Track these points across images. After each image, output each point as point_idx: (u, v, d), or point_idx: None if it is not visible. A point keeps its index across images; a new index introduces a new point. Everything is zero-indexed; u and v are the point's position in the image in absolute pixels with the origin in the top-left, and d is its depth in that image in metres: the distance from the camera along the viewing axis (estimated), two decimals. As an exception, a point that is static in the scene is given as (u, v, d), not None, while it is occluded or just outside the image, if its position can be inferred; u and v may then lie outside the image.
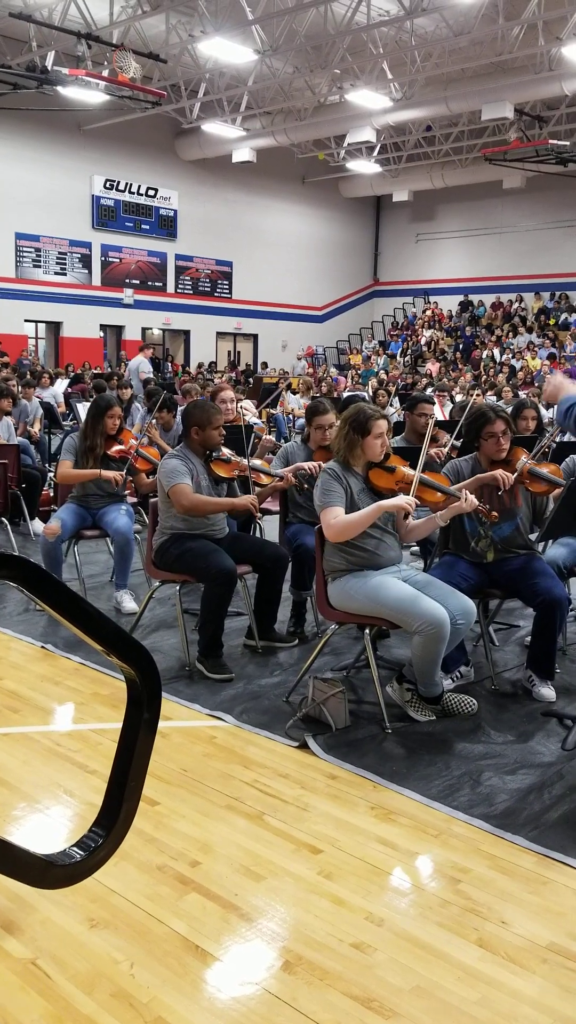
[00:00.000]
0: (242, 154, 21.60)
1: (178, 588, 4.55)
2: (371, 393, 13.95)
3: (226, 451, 4.70)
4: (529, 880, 2.71)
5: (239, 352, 26.87)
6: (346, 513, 3.79)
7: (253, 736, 3.68)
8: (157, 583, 4.68)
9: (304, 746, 3.56)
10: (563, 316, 24.65)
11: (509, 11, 14.63)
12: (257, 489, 4.81)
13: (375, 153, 23.75)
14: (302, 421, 7.05)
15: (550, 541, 4.92)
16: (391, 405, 12.42)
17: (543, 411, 11.66)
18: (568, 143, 18.89)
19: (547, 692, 4.12)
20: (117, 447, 5.48)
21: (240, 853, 2.80)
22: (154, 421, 7.06)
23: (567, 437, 8.30)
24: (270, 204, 26.24)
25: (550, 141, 18.73)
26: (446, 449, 5.25)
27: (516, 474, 4.18)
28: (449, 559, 4.26)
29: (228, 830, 2.94)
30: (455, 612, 3.68)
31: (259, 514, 4.63)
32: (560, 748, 3.59)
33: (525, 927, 2.48)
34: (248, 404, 12.21)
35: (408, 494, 3.83)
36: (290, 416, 16.18)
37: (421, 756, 3.50)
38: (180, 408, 6.97)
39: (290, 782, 3.28)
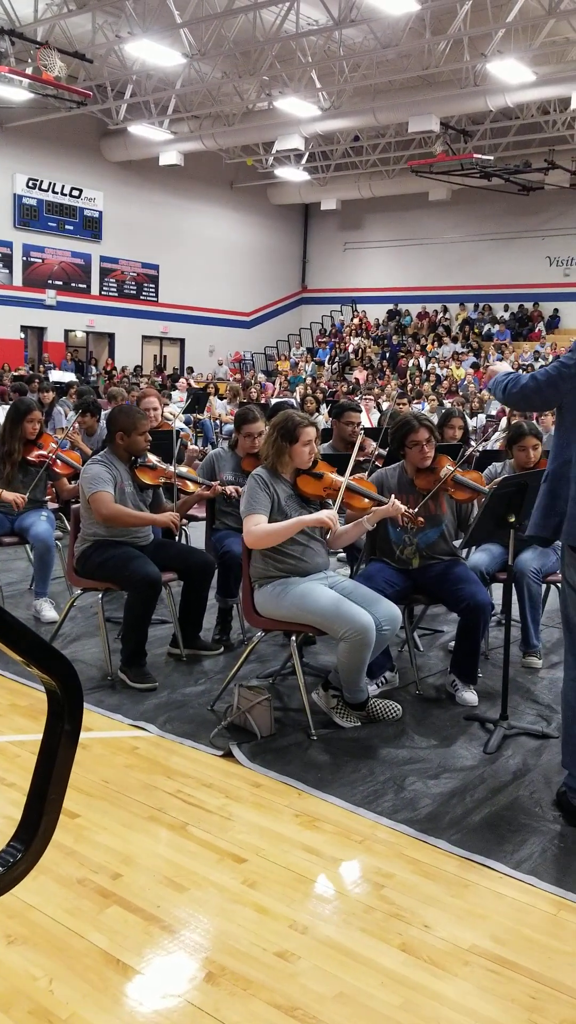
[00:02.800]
0: (169, 157, 21.46)
1: (100, 596, 4.48)
2: (299, 400, 14.01)
3: (152, 457, 4.65)
4: (451, 883, 2.74)
5: (165, 356, 26.68)
6: (270, 520, 3.79)
7: (177, 746, 3.64)
8: (78, 591, 4.59)
9: (229, 755, 3.54)
10: (486, 327, 25.18)
11: (436, 26, 14.89)
12: (183, 496, 4.78)
13: (303, 161, 23.89)
14: (229, 427, 7.03)
15: (473, 547, 5.01)
16: (319, 412, 12.49)
17: (469, 420, 11.91)
18: (492, 158, 19.32)
19: (470, 696, 4.18)
20: (37, 452, 5.37)
21: (163, 864, 2.77)
22: (77, 425, 6.94)
23: (491, 445, 8.47)
24: (198, 208, 26.16)
25: (474, 155, 19.12)
26: (373, 457, 5.29)
27: (440, 482, 4.25)
28: (375, 566, 4.30)
29: (150, 841, 2.90)
30: (381, 618, 3.71)
31: (179, 531, 4.58)
32: (482, 752, 3.65)
33: (447, 930, 2.51)
34: (175, 409, 12.13)
35: (335, 500, 3.86)
36: (217, 422, 16.13)
37: (346, 762, 3.51)
38: (104, 412, 6.88)
39: (214, 791, 3.26)
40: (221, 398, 17.15)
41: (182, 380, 19.05)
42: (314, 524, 3.78)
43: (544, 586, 4.93)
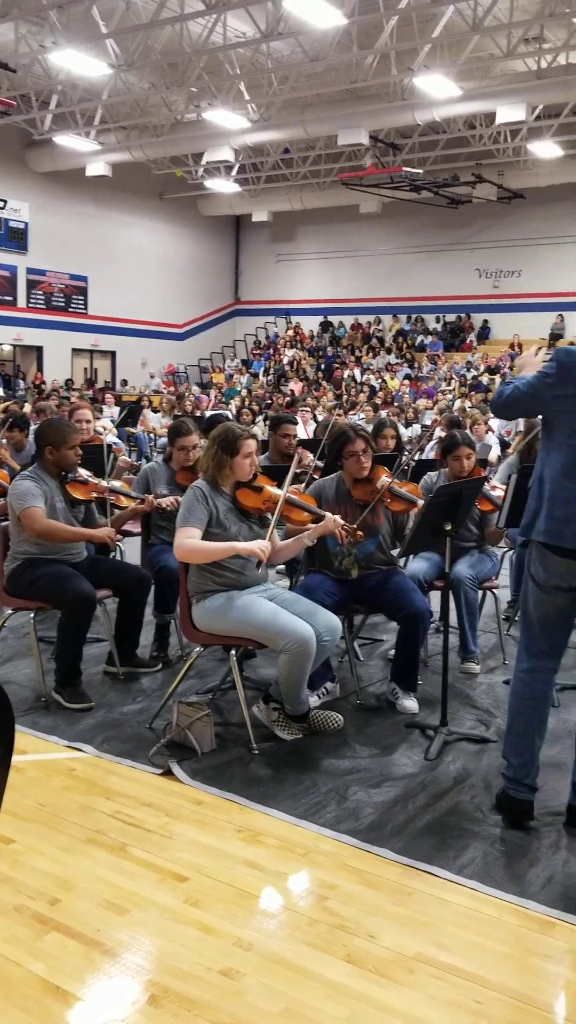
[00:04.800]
0: (97, 168, 21.27)
1: (32, 616, 4.38)
2: (235, 412, 14.00)
3: (83, 472, 4.57)
4: (395, 892, 2.74)
5: (96, 369, 26.40)
6: (207, 533, 3.76)
7: (115, 766, 3.58)
8: (9, 611, 4.49)
9: (169, 773, 3.49)
10: (419, 338, 25.53)
11: (363, 40, 15.08)
12: (116, 511, 4.71)
13: (234, 172, 23.94)
14: (164, 440, 6.98)
15: (411, 556, 5.05)
16: (255, 424, 12.50)
17: (402, 429, 12.03)
18: (421, 171, 19.63)
19: (410, 704, 4.20)
20: None
21: (102, 887, 2.71)
22: (4, 441, 6.78)
23: (426, 455, 8.56)
24: (127, 219, 25.99)
25: (404, 168, 19.40)
26: (310, 469, 5.30)
27: (377, 495, 4.28)
28: (314, 577, 4.30)
29: (89, 864, 2.84)
30: (321, 629, 3.70)
31: (115, 547, 4.51)
32: (423, 759, 3.67)
33: (392, 939, 2.50)
34: (107, 422, 11.98)
35: (274, 513, 3.85)
36: (151, 435, 16.01)
37: (288, 775, 3.49)
38: (33, 427, 6.74)
39: (154, 810, 3.21)
40: (155, 411, 17.04)
41: (109, 395, 18.77)
42: (245, 553, 3.75)
43: (480, 593, 4.99)
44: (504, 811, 3.19)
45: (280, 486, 3.97)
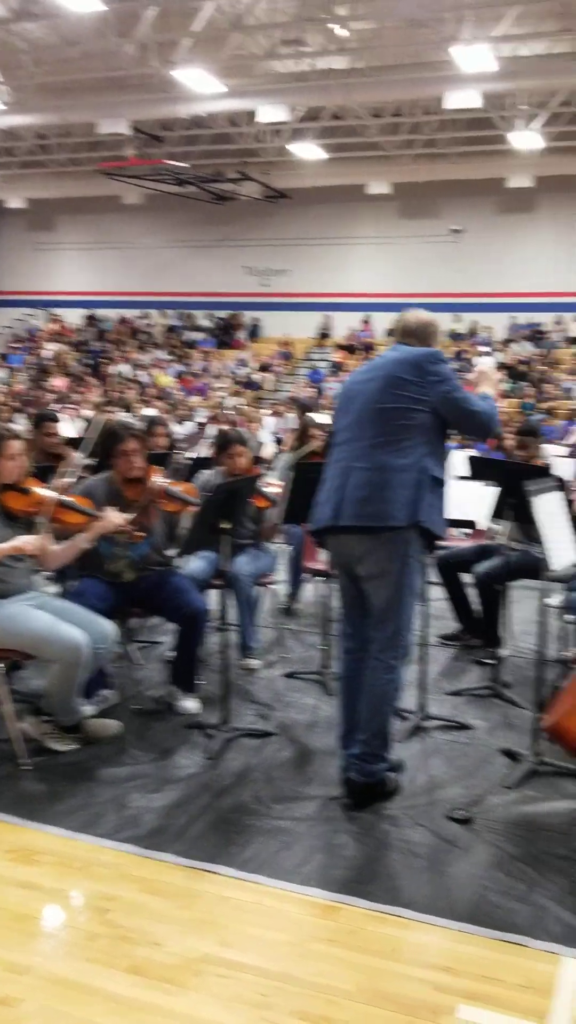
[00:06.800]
0: None
1: None
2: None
3: None
4: (179, 896, 2.73)
5: None
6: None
7: None
8: None
9: None
10: (188, 335, 25.55)
11: (121, 29, 14.82)
12: None
13: (-14, 157, 22.75)
14: None
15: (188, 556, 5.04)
16: (12, 421, 11.98)
17: (177, 427, 12.00)
18: (187, 165, 19.60)
19: (190, 705, 4.20)
20: None
21: None
22: None
23: (199, 454, 8.56)
24: None
25: (166, 161, 19.29)
26: (79, 469, 5.14)
27: (152, 496, 4.21)
28: (85, 582, 4.18)
29: None
30: (94, 636, 3.61)
31: None
32: (204, 758, 3.68)
33: (178, 944, 2.49)
34: None
35: (46, 517, 3.70)
36: None
37: (63, 788, 3.38)
38: None
39: None
40: None
41: None
42: (11, 552, 3.58)
43: (257, 588, 5.07)
44: (352, 795, 3.29)
45: (49, 487, 3.82)
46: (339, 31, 15.17)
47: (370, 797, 3.29)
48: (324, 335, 23.74)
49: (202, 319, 26.13)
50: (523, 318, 22.50)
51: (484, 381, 3.52)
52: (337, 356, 22.34)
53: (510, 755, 3.71)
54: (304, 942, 2.54)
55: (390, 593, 3.23)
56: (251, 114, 17.56)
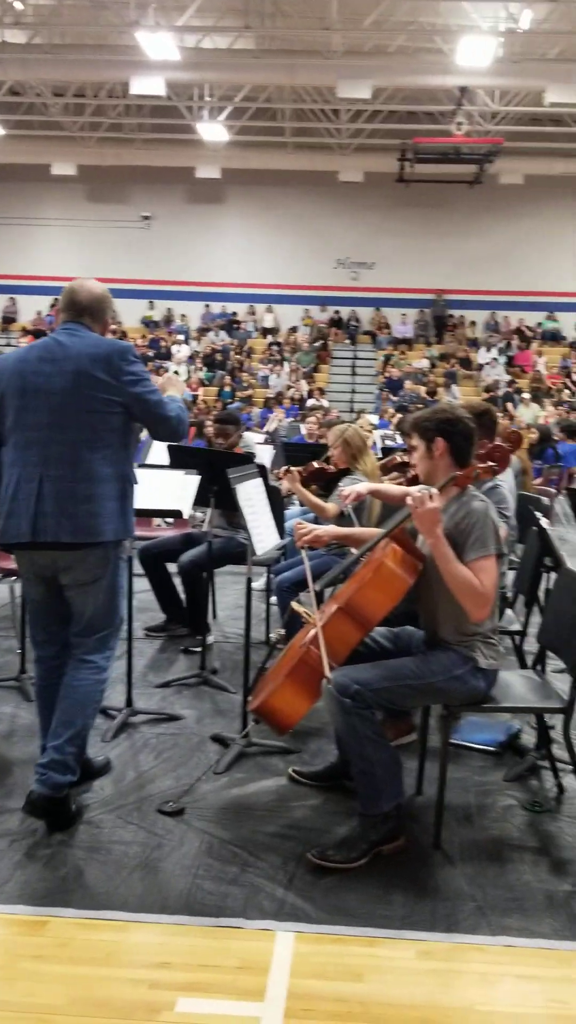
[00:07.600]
0: None
1: None
2: None
3: None
4: None
5: None
6: None
7: None
8: None
9: None
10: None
11: None
12: None
13: None
14: None
15: None
16: None
17: None
18: None
19: None
20: None
21: None
22: None
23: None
24: None
25: None
26: None
27: None
28: None
29: None
30: None
31: None
32: None
33: None
34: None
35: None
36: None
37: None
38: None
39: None
40: None
41: None
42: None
43: None
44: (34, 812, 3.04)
45: None
46: (16, 3, 14.53)
47: (54, 819, 3.02)
48: (9, 319, 22.70)
49: None
50: (216, 307, 23.00)
51: (171, 386, 3.51)
52: (25, 342, 21.44)
53: (220, 741, 3.76)
54: (12, 963, 2.39)
55: (103, 598, 3.12)
56: None
